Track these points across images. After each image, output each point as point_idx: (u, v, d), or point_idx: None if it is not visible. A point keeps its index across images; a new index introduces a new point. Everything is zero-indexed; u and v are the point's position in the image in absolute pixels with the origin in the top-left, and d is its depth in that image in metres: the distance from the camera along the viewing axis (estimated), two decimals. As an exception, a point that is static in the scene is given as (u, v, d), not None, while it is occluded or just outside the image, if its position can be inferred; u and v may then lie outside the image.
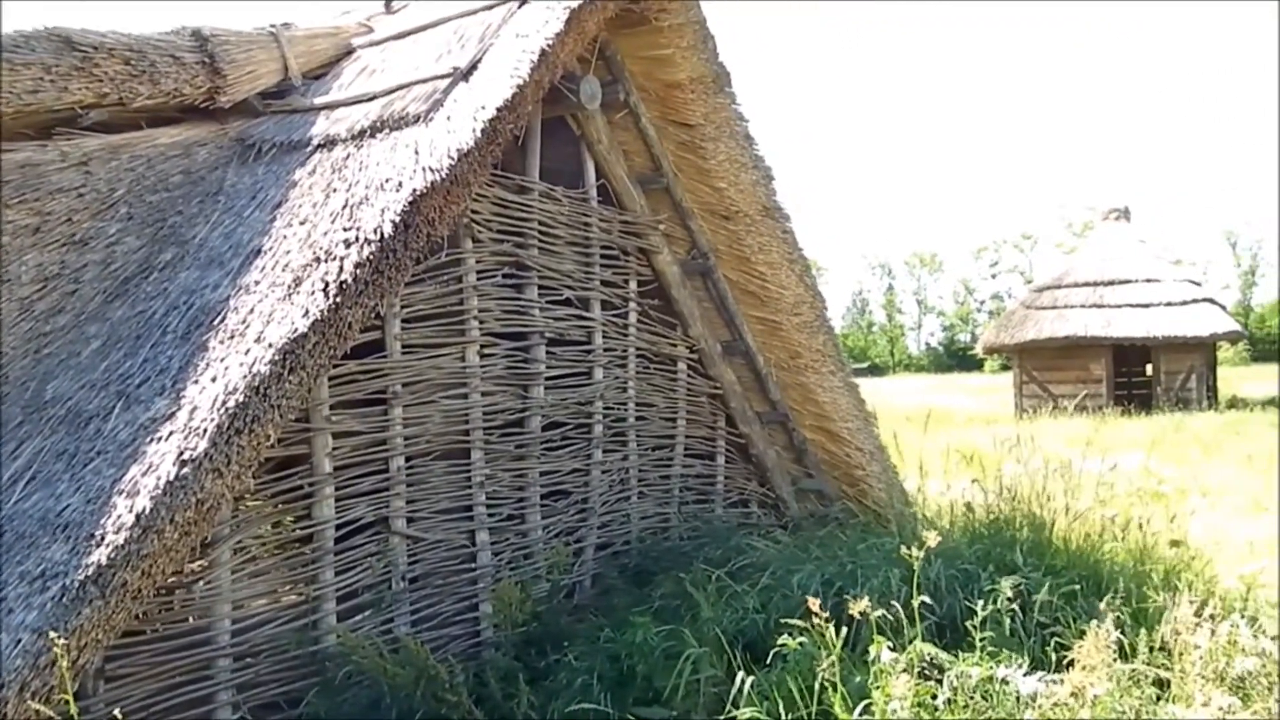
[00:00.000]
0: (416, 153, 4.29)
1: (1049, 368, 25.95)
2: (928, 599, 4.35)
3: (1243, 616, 4.00)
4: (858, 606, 3.12)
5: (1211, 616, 3.88)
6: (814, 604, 3.14)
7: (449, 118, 4.45)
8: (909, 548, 3.46)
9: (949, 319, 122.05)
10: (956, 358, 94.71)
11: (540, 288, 5.49)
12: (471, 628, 5.05)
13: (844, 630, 3.37)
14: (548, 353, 5.54)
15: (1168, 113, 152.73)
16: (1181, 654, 3.68)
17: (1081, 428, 18.77)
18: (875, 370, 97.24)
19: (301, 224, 4.36)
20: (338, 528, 4.51)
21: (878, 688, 3.20)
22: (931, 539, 3.39)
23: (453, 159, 4.17)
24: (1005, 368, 34.90)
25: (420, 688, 4.07)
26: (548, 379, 5.54)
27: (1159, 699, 3.51)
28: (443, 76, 4.83)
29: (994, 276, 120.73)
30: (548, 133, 5.53)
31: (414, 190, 4.06)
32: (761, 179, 6.14)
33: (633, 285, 6.16)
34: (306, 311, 3.79)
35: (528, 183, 5.36)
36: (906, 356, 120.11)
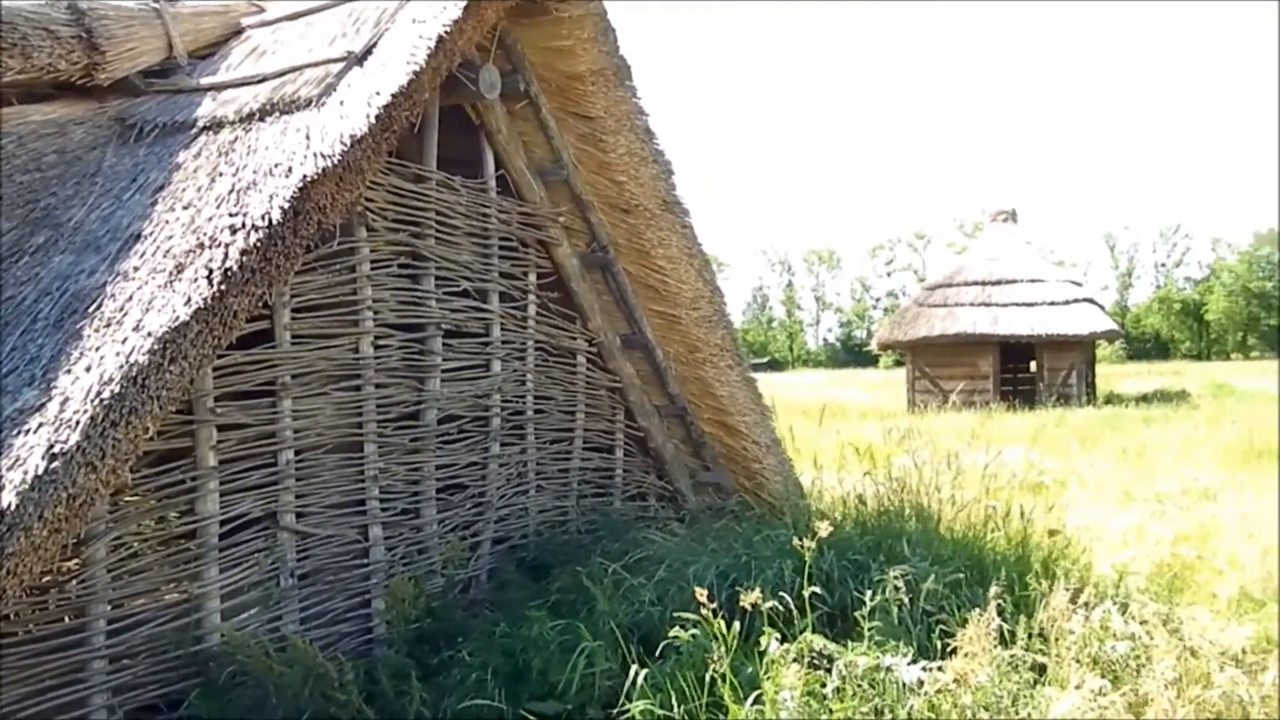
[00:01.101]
0: (308, 138, 4.17)
1: (940, 364, 26.74)
2: (820, 590, 4.45)
3: (1115, 603, 4.19)
4: (749, 598, 3.16)
5: (1086, 603, 4.04)
6: (702, 595, 3.16)
7: (342, 102, 4.34)
8: (802, 539, 3.52)
9: (846, 315, 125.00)
10: (853, 353, 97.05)
11: (437, 279, 5.40)
12: (363, 625, 4.94)
13: (736, 622, 3.41)
14: (444, 345, 5.45)
15: (1054, 122, 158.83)
16: (1058, 639, 3.83)
17: (969, 422, 19.41)
18: (775, 365, 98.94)
19: (185, 208, 4.19)
20: (224, 523, 4.36)
21: (768, 678, 3.24)
22: (823, 530, 3.46)
23: (346, 145, 4.06)
24: (899, 363, 35.80)
25: (308, 687, 3.97)
26: (444, 371, 5.45)
27: (1036, 683, 3.63)
28: (336, 60, 4.70)
29: (889, 274, 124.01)
30: (446, 122, 5.44)
31: (305, 176, 3.94)
32: (661, 173, 6.16)
33: (532, 278, 6.11)
34: (189, 299, 3.65)
35: (425, 171, 5.26)
36: (805, 352, 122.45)
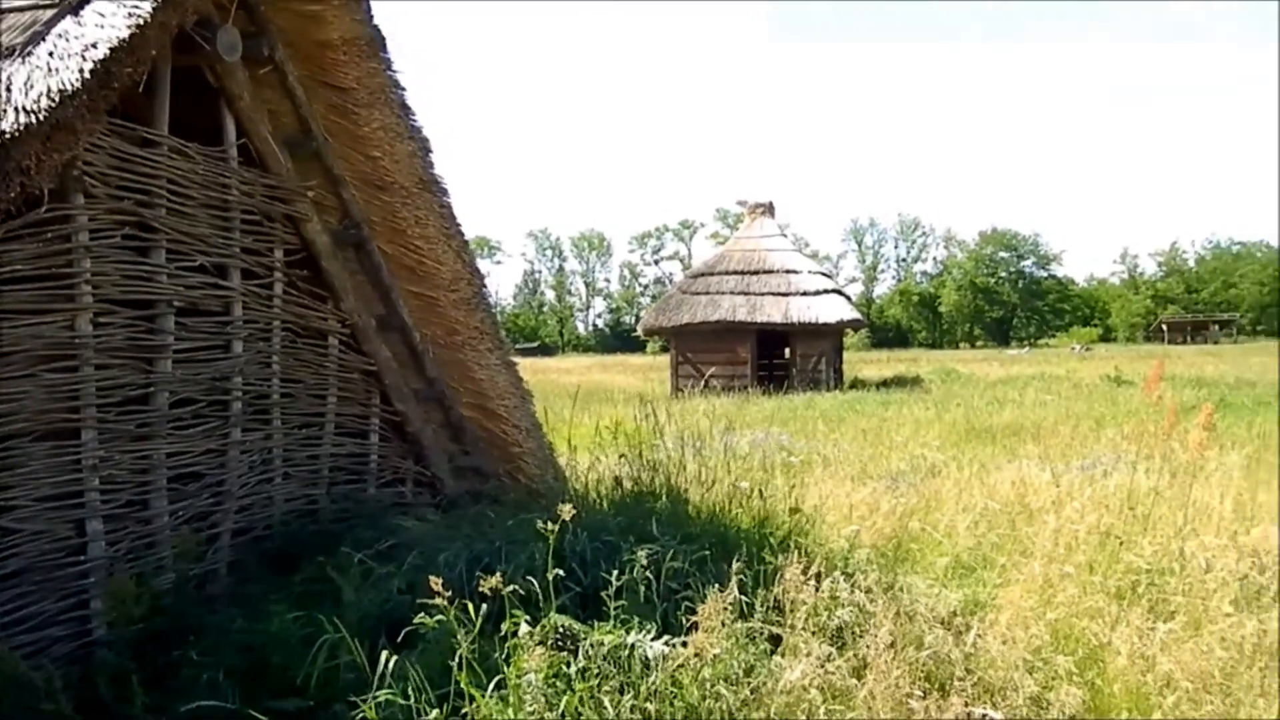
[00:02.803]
0: (9, 90, 3.74)
1: (702, 349, 27.74)
2: (575, 570, 4.49)
3: (843, 574, 4.47)
4: (489, 583, 3.13)
5: (817, 575, 4.29)
6: (437, 584, 3.11)
7: (51, 53, 3.92)
8: (547, 524, 3.52)
9: (616, 301, 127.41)
10: (623, 339, 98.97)
11: (169, 252, 5.00)
12: (80, 627, 4.52)
13: (485, 606, 3.37)
14: (178, 323, 5.07)
15: (810, 121, 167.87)
16: (792, 610, 4.04)
17: (728, 405, 20.26)
18: (545, 350, 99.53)
19: None
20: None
21: (513, 662, 3.23)
22: (567, 512, 3.47)
23: (54, 101, 3.67)
24: (665, 349, 36.83)
25: (7, 698, 3.59)
26: (177, 352, 5.07)
27: (772, 653, 3.82)
28: (46, 6, 4.24)
29: (657, 262, 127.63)
30: (183, 85, 5.04)
31: (3, 133, 3.54)
32: (418, 150, 5.99)
33: (278, 254, 5.78)
34: None
35: (154, 135, 4.85)
36: (575, 336, 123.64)
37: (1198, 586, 4.64)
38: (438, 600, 3.23)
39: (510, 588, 3.30)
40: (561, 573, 3.62)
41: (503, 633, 3.37)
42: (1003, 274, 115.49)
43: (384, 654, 3.30)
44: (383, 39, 5.61)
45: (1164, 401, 9.80)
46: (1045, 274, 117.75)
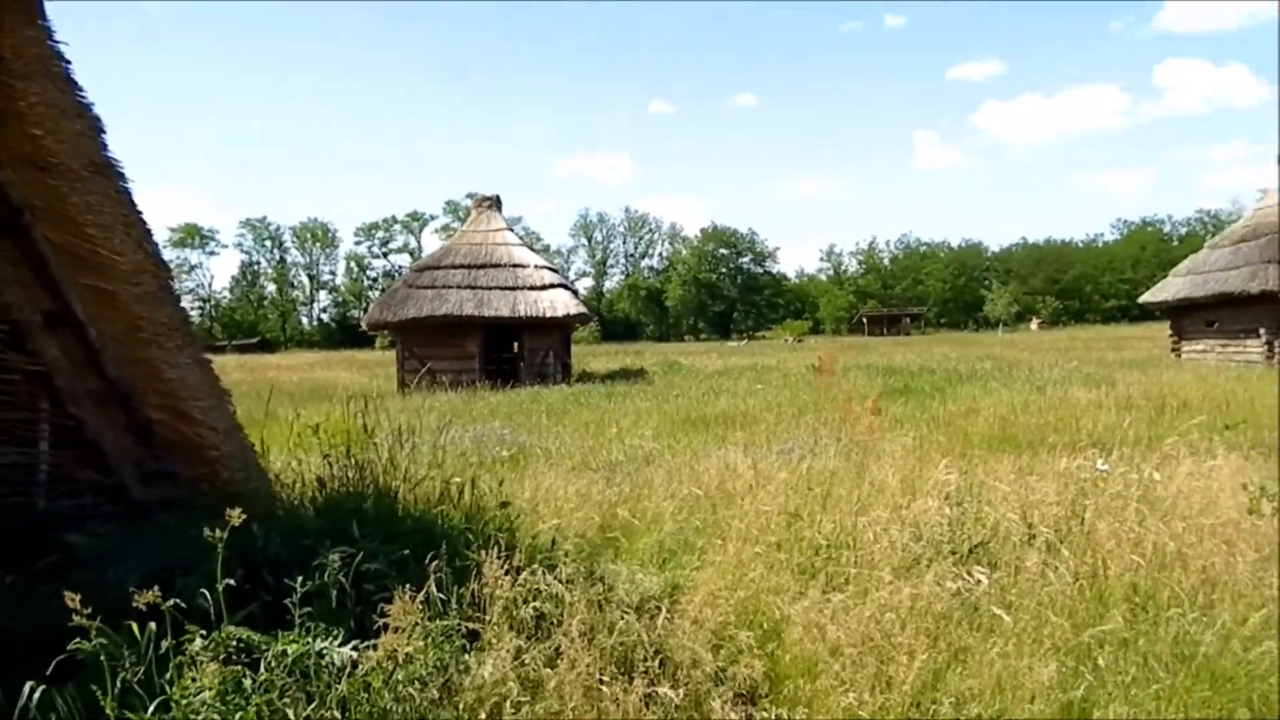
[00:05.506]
0: None
1: (430, 344, 27.24)
2: (266, 578, 4.27)
3: (545, 565, 4.53)
4: (144, 598, 2.91)
5: (518, 568, 4.32)
6: (73, 600, 2.86)
7: None
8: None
9: (343, 294, 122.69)
10: (350, 333, 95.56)
11: None
12: None
13: (152, 625, 3.13)
14: None
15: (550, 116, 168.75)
16: (491, 605, 4.05)
17: (455, 401, 20.07)
18: (266, 345, 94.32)
19: None
20: None
21: (183, 680, 3.02)
22: (235, 518, 3.31)
23: None
24: (394, 344, 35.87)
25: None
26: None
27: (469, 649, 3.81)
28: None
29: (386, 254, 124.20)
30: None
31: None
32: (88, 130, 5.44)
33: (-84, 241, 5.10)
34: None
35: None
36: (300, 331, 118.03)
37: (866, 558, 5.10)
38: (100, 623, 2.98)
39: (170, 601, 3.08)
40: (232, 582, 3.43)
41: (168, 647, 3.14)
42: (723, 270, 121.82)
43: (27, 687, 2.99)
44: (40, 7, 5.06)
45: (838, 389, 10.67)
46: (762, 270, 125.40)
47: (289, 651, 3.25)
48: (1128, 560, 4.96)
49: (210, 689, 2.93)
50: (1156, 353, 33.04)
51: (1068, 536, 5.37)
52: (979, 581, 4.73)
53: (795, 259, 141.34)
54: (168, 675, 3.13)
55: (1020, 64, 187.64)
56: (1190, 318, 30.46)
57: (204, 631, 3.29)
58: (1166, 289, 31.32)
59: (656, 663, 3.77)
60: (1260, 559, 4.87)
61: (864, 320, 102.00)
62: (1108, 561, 5.00)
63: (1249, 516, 5.47)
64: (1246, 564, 4.81)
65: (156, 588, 2.99)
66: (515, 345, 28.65)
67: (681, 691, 3.58)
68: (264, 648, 3.27)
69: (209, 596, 3.32)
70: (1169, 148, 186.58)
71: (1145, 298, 33.11)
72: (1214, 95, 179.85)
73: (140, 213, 5.86)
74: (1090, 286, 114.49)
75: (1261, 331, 26.30)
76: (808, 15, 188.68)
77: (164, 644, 3.08)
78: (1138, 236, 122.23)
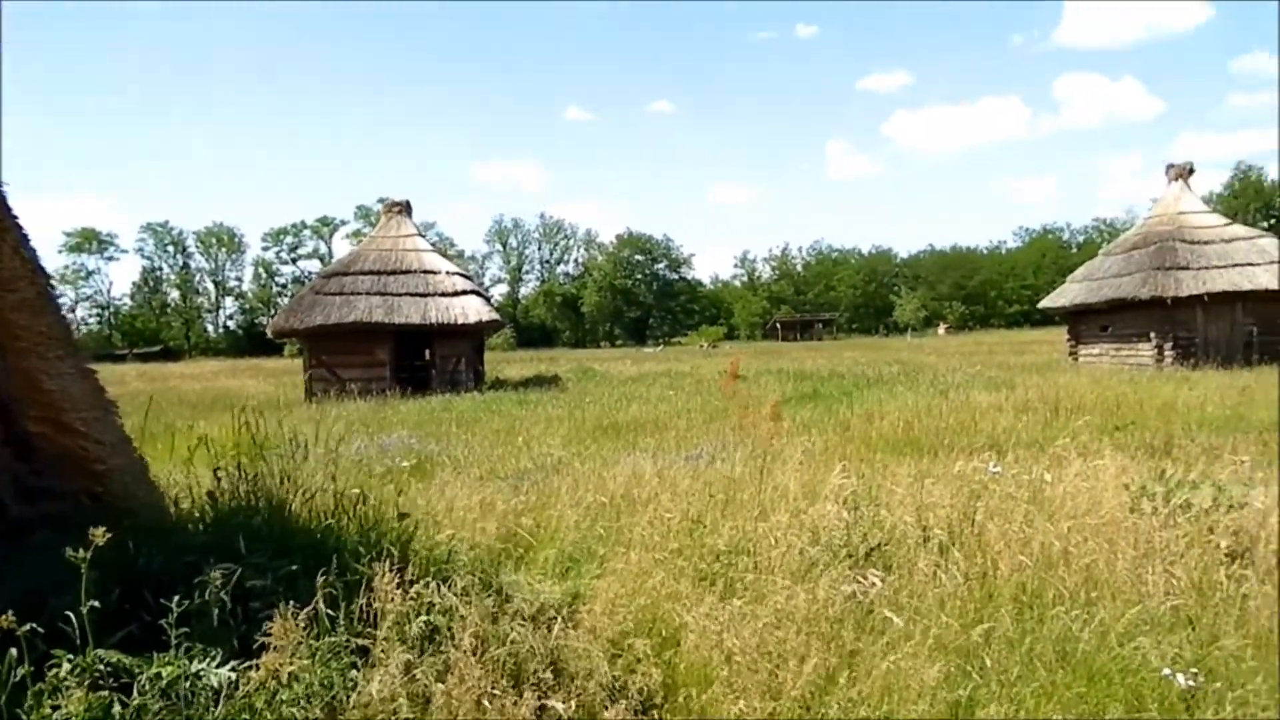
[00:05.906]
0: None
1: (338, 352, 26.70)
2: (146, 597, 4.11)
3: (439, 577, 4.45)
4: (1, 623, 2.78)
5: (412, 581, 4.24)
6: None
7: None
8: (81, 550, 3.19)
9: (250, 301, 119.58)
10: (257, 341, 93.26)
11: None
12: None
13: (12, 650, 2.99)
14: None
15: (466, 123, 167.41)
16: (381, 619, 3.97)
17: (363, 409, 19.72)
18: (169, 354, 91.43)
19: None
20: None
21: (40, 709, 2.89)
22: (100, 536, 3.17)
23: None
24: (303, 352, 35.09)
25: None
26: None
27: (357, 666, 3.71)
28: None
29: (295, 260, 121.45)
30: None
31: None
32: (-42, 130, 5.21)
33: None
34: None
35: None
36: (204, 339, 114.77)
37: (764, 564, 5.14)
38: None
39: (28, 626, 2.94)
40: (97, 604, 3.28)
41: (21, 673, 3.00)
42: (639, 276, 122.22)
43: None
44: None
45: (739, 396, 10.78)
46: (677, 276, 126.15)
47: (164, 674, 3.13)
48: (1016, 560, 5.09)
49: (76, 716, 2.80)
50: (1055, 356, 34.20)
51: (960, 538, 5.50)
52: (874, 584, 4.80)
53: (710, 265, 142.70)
54: (27, 704, 2.98)
55: (927, 74, 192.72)
56: (1086, 322, 31.61)
57: (70, 656, 3.15)
58: (1064, 295, 32.42)
59: (550, 674, 3.73)
60: (1138, 556, 5.05)
61: (778, 325, 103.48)
62: (997, 562, 5.13)
63: (1130, 515, 5.67)
64: (1126, 562, 4.98)
65: (11, 612, 2.84)
66: (427, 352, 28.27)
67: (575, 703, 3.55)
68: (138, 671, 3.14)
69: (74, 619, 3.18)
70: (1069, 158, 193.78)
71: (1045, 303, 34.21)
72: (1109, 109, 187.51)
73: (15, 217, 5.61)
74: (995, 292, 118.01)
75: (1152, 335, 27.43)
76: (722, 23, 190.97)
77: (19, 671, 2.93)
78: (1039, 244, 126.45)
